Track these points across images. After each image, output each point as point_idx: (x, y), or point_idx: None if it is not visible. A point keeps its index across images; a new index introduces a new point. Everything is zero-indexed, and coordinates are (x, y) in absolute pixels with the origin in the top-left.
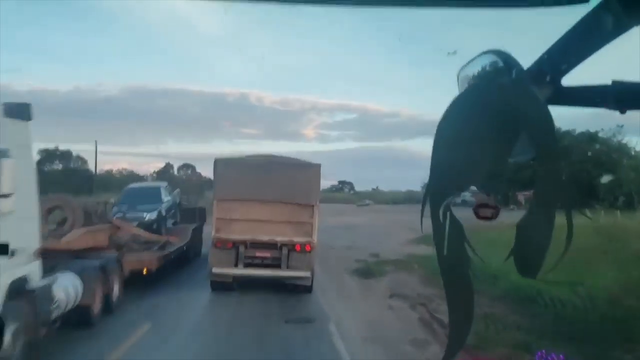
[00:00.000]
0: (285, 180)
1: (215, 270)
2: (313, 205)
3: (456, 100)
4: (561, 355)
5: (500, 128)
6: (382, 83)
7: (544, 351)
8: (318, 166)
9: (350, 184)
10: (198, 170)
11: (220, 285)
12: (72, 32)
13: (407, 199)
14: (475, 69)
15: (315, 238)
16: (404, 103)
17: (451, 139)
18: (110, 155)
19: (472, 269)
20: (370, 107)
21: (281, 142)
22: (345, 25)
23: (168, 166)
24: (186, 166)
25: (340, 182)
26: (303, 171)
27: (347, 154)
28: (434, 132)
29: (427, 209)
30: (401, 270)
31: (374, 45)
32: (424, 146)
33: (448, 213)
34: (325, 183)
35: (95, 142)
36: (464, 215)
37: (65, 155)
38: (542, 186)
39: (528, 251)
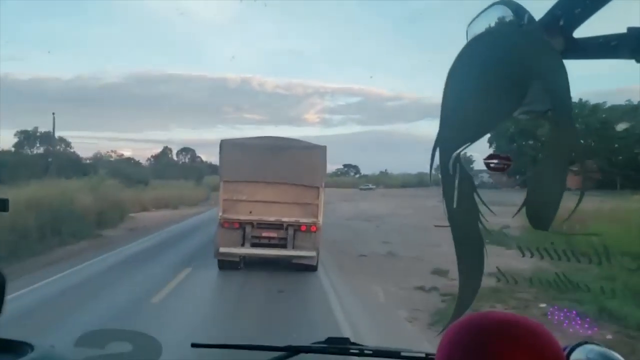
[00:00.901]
0: (291, 162)
1: (222, 249)
2: (318, 187)
3: (465, 49)
4: (574, 311)
5: (511, 78)
6: (385, 66)
7: (556, 307)
8: (324, 148)
9: (356, 167)
10: (199, 154)
11: (228, 264)
12: (73, 20)
13: (419, 182)
14: (485, 22)
15: (320, 219)
16: (406, 86)
17: (461, 89)
18: (114, 142)
19: (482, 222)
20: (372, 91)
21: (284, 126)
22: (347, 9)
23: (166, 150)
24: (185, 150)
25: (346, 166)
26: (309, 153)
27: (351, 137)
28: (438, 114)
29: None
30: None
31: (376, 29)
32: (428, 129)
33: (458, 165)
34: (330, 167)
35: (53, 116)
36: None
37: (45, 138)
38: (555, 137)
39: (540, 203)
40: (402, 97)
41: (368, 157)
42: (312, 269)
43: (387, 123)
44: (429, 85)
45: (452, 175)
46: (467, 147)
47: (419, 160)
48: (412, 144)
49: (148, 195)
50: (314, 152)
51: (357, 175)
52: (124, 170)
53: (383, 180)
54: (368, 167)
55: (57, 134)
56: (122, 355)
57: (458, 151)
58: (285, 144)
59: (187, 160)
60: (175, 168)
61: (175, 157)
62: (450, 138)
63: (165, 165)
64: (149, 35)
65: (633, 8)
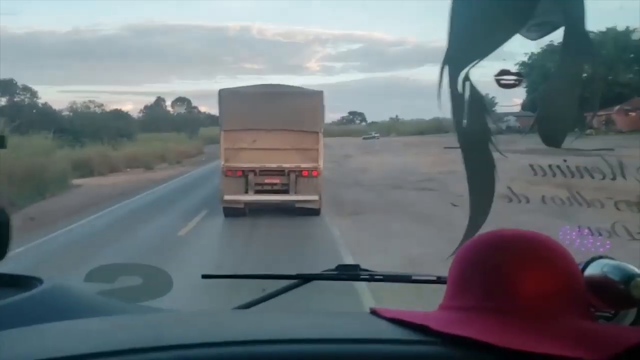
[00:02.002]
0: (289, 109)
1: (226, 197)
2: (318, 132)
3: None
4: (586, 229)
5: None
6: (387, 10)
7: (567, 227)
8: (321, 93)
9: (362, 115)
10: (200, 105)
11: (232, 211)
12: None
13: (436, 128)
14: None
15: (321, 163)
16: (409, 31)
17: (469, 3)
18: (114, 95)
19: (492, 142)
20: (375, 36)
21: (285, 75)
22: None
23: (159, 101)
24: (180, 100)
25: (351, 113)
26: (306, 99)
27: (353, 85)
28: (441, 59)
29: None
30: None
31: None
32: (431, 75)
33: (468, 83)
34: (334, 115)
35: None
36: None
37: (8, 85)
38: (569, 49)
39: (552, 119)
40: (405, 42)
41: (375, 104)
42: (315, 212)
43: (389, 69)
44: (432, 29)
45: (461, 95)
46: (477, 63)
47: (431, 105)
48: (416, 89)
49: (125, 152)
50: (312, 97)
51: (363, 123)
52: (102, 123)
53: (394, 128)
54: (377, 115)
55: (56, 88)
56: (132, 288)
57: (468, 68)
58: (283, 91)
59: (183, 111)
60: (167, 120)
61: (170, 108)
62: (459, 54)
63: (156, 116)
64: None
65: None
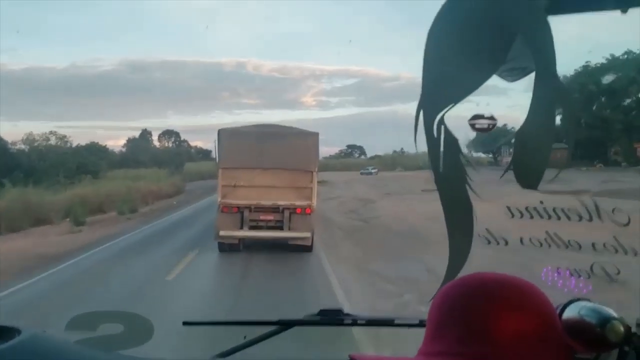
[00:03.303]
0: (285, 148)
1: (222, 232)
2: (312, 171)
3: (446, 6)
4: (567, 271)
5: (493, 35)
6: (381, 47)
7: (549, 267)
8: (316, 134)
9: (361, 148)
10: (187, 138)
11: (227, 247)
12: (67, 9)
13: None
14: None
15: (314, 201)
16: (404, 66)
17: (443, 48)
18: (111, 130)
19: (469, 185)
20: (370, 72)
21: (281, 110)
22: None
23: (144, 134)
24: (168, 133)
25: (350, 147)
26: (302, 139)
27: (349, 119)
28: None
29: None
30: None
31: (370, 9)
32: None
33: (443, 127)
34: (331, 150)
35: None
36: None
37: None
38: (540, 95)
39: (527, 161)
40: (400, 78)
41: (372, 137)
42: (308, 249)
43: (384, 104)
44: None
45: (437, 138)
46: (450, 108)
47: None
48: (411, 125)
49: (71, 194)
50: (307, 138)
51: (362, 157)
52: (61, 158)
53: (400, 161)
54: (376, 148)
55: (54, 124)
56: (113, 337)
57: (442, 113)
58: (280, 132)
59: (170, 144)
60: (148, 153)
61: (157, 142)
62: (434, 99)
63: (137, 150)
64: (141, 21)
65: None
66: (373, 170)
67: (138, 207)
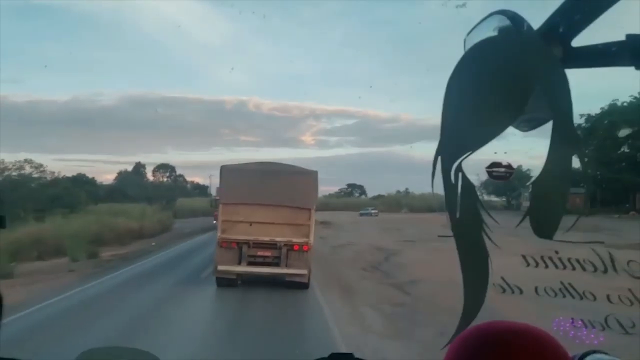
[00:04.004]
0: (285, 186)
1: (220, 267)
2: (310, 209)
3: (465, 58)
4: (580, 321)
5: (511, 86)
6: (382, 88)
7: (561, 318)
8: (315, 173)
9: (361, 188)
10: (184, 173)
11: (225, 281)
12: (70, 42)
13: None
14: (483, 31)
15: (311, 239)
16: (403, 108)
17: (461, 98)
18: (109, 164)
19: (486, 232)
20: (369, 113)
21: (280, 148)
22: (343, 31)
23: (138, 167)
24: (163, 167)
25: (350, 185)
26: (301, 177)
27: (348, 158)
28: (435, 136)
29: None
30: None
31: (372, 51)
32: (425, 151)
33: (460, 174)
34: (331, 188)
35: None
36: None
37: None
38: (558, 145)
39: (544, 211)
40: (399, 119)
41: (372, 177)
42: (304, 286)
43: (383, 145)
44: (426, 107)
45: (454, 185)
46: (468, 155)
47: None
48: (410, 165)
49: (28, 231)
50: (306, 176)
51: (363, 196)
52: (30, 190)
53: (405, 202)
54: (376, 188)
55: (53, 156)
56: None
57: (459, 160)
58: (280, 169)
59: (165, 179)
60: (139, 187)
61: (150, 176)
62: (452, 147)
63: (127, 184)
64: (144, 57)
65: (631, 16)
66: (373, 211)
67: (102, 251)
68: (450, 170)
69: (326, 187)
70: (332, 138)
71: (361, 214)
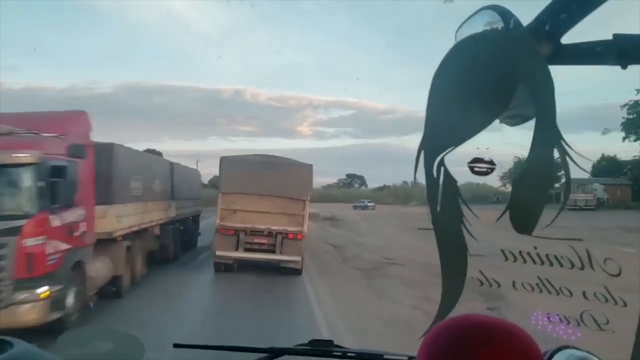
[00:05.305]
0: (281, 177)
1: (218, 253)
2: (304, 200)
3: (452, 52)
4: (557, 315)
5: (496, 82)
6: (379, 80)
7: (539, 312)
8: (310, 166)
9: (362, 178)
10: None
11: (222, 266)
12: (67, 31)
13: (472, 195)
14: (473, 26)
15: (305, 228)
16: (400, 100)
17: (446, 92)
18: None
19: (465, 226)
20: (366, 104)
21: (277, 139)
22: (341, 22)
23: None
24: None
25: (349, 176)
26: (297, 170)
27: (345, 149)
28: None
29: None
30: None
31: (369, 42)
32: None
33: (442, 168)
34: (326, 180)
35: None
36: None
37: None
38: (539, 142)
39: (524, 207)
40: (395, 111)
41: (374, 168)
42: (297, 272)
43: (379, 136)
44: (422, 99)
45: (436, 179)
46: (450, 150)
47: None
48: (408, 157)
49: None
50: (302, 169)
51: (363, 187)
52: None
53: (414, 193)
54: (381, 178)
55: None
56: (103, 355)
57: (442, 155)
58: (277, 162)
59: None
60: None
61: None
62: (435, 142)
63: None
64: (142, 45)
65: (618, 15)
66: (370, 204)
67: None
68: (432, 164)
69: (324, 178)
70: (329, 129)
71: (355, 207)
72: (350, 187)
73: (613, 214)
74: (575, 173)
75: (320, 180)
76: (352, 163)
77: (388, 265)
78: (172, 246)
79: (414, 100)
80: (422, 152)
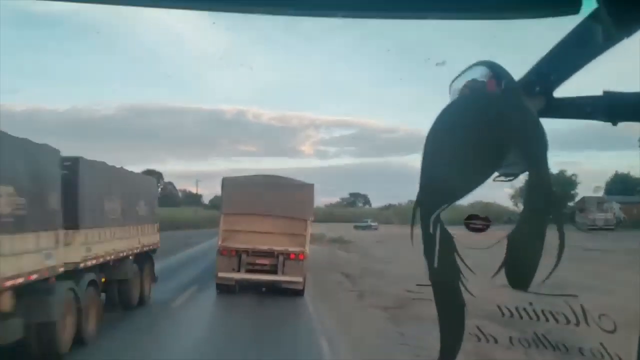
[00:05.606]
0: (283, 198)
1: (220, 274)
2: (306, 220)
3: (445, 110)
4: None
5: (490, 139)
6: (380, 99)
7: None
8: (311, 186)
9: (365, 197)
10: (168, 180)
11: (225, 288)
12: (69, 53)
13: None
14: (465, 81)
15: (307, 248)
16: (401, 119)
17: (440, 150)
18: None
19: (462, 282)
20: (367, 123)
21: (279, 158)
22: (341, 42)
23: None
24: (149, 174)
25: (352, 195)
26: (298, 190)
27: (347, 168)
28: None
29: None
30: None
31: (371, 62)
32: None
33: (439, 224)
34: (328, 199)
35: None
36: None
37: None
38: (533, 198)
39: (519, 263)
40: (397, 130)
41: (377, 186)
42: (300, 293)
43: (381, 155)
44: (425, 118)
45: (432, 235)
46: (445, 208)
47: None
48: (410, 176)
49: None
50: (303, 189)
51: (367, 206)
52: None
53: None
54: (384, 197)
55: None
56: None
57: (437, 212)
58: (278, 182)
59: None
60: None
61: None
62: (430, 199)
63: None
64: (144, 67)
65: (609, 71)
66: (373, 224)
67: None
68: (429, 221)
69: (327, 198)
70: (331, 148)
71: (357, 227)
72: (354, 206)
73: (636, 233)
74: (588, 191)
75: (323, 199)
76: (355, 182)
77: (415, 302)
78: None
79: (413, 120)
80: (418, 209)
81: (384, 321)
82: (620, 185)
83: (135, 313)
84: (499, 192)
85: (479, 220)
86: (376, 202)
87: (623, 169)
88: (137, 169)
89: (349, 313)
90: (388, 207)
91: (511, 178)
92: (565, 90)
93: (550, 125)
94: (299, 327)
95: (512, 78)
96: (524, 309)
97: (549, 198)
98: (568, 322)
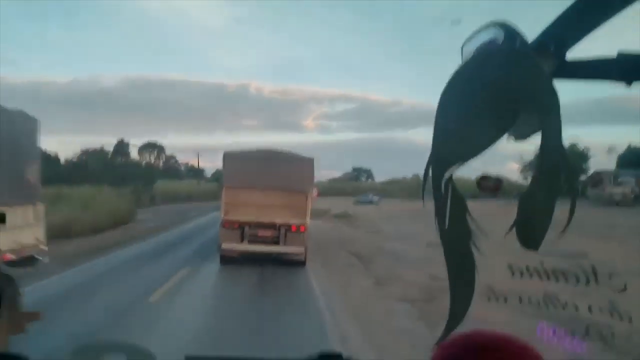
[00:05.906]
0: (283, 171)
1: (224, 246)
2: (307, 193)
3: (459, 70)
4: (562, 329)
5: (503, 99)
6: (383, 72)
7: (544, 323)
8: (311, 160)
9: (368, 172)
10: (169, 153)
11: (228, 259)
12: (70, 25)
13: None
14: (478, 41)
15: (308, 220)
16: (405, 92)
17: (454, 109)
18: (110, 147)
19: (474, 242)
20: (371, 97)
21: (281, 133)
22: (344, 16)
23: (121, 145)
24: (150, 147)
25: (355, 170)
26: (299, 164)
27: (350, 143)
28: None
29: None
30: None
31: (373, 35)
32: (427, 136)
33: (450, 185)
34: (331, 173)
35: None
36: None
37: None
38: (546, 159)
39: (530, 223)
40: (400, 104)
41: (380, 160)
42: (301, 263)
43: (385, 130)
44: (428, 91)
45: (444, 195)
46: (458, 166)
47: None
48: (414, 150)
49: None
50: (304, 163)
51: (370, 180)
52: None
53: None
54: (388, 171)
55: (52, 138)
56: None
57: (450, 171)
58: (279, 156)
59: (152, 159)
60: (103, 166)
61: (136, 154)
62: (443, 158)
63: (93, 163)
64: (145, 39)
65: (623, 31)
66: (374, 198)
67: None
68: (440, 180)
69: (330, 172)
70: (333, 122)
71: (358, 202)
72: (357, 180)
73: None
74: (600, 164)
75: (325, 173)
76: (358, 156)
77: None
78: None
79: (418, 93)
80: (430, 168)
81: (413, 322)
82: (635, 158)
83: None
84: (509, 166)
85: (489, 181)
86: (380, 177)
87: (637, 142)
88: (139, 141)
89: (368, 309)
90: (391, 182)
91: (524, 136)
92: (579, 51)
93: (562, 99)
94: (312, 336)
95: (525, 39)
96: (535, 269)
97: (562, 157)
98: (578, 281)
